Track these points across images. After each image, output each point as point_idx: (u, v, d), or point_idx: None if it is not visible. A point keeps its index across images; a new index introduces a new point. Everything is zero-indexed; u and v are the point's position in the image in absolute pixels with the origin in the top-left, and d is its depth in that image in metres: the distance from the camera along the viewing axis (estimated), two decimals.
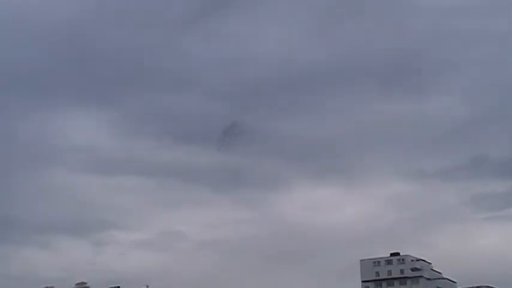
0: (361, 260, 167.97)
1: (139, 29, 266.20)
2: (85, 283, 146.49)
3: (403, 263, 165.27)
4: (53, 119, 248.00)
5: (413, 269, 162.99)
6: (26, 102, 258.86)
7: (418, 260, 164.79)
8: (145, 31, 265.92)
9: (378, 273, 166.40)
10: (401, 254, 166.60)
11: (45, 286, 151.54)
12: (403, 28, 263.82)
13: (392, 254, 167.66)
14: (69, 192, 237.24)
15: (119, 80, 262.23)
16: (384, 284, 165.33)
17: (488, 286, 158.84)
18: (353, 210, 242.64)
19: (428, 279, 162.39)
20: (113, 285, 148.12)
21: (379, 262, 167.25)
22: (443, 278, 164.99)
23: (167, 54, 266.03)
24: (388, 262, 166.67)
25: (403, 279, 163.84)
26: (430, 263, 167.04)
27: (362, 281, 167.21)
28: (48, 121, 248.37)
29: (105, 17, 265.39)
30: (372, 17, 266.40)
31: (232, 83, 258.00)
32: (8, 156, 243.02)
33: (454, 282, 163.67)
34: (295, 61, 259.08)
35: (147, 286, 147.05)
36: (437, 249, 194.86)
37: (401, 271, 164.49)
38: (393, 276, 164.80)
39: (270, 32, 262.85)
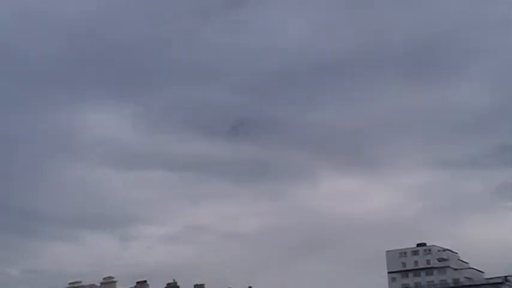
0: (387, 251, 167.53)
1: (161, 21, 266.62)
2: (112, 277, 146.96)
3: (429, 253, 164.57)
4: (78, 113, 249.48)
5: (440, 259, 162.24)
6: (51, 97, 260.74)
7: (444, 250, 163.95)
8: (167, 23, 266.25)
9: (404, 264, 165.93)
10: (427, 244, 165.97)
11: (72, 280, 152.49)
12: (426, 15, 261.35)
13: (418, 245, 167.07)
14: (95, 186, 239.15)
15: (142, 73, 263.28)
16: (411, 275, 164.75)
17: None
18: (378, 201, 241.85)
19: (455, 269, 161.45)
20: (140, 279, 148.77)
21: (405, 253, 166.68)
22: (471, 268, 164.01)
23: (189, 46, 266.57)
24: (415, 252, 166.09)
25: (429, 270, 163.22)
26: (457, 253, 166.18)
27: (388, 272, 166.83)
28: (74, 115, 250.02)
29: (129, 9, 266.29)
30: (395, 4, 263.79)
31: (254, 73, 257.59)
32: (35, 150, 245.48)
33: (482, 272, 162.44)
34: (318, 51, 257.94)
35: (174, 279, 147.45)
36: (464, 239, 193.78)
37: (428, 261, 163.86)
38: (420, 266, 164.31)
39: (292, 22, 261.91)
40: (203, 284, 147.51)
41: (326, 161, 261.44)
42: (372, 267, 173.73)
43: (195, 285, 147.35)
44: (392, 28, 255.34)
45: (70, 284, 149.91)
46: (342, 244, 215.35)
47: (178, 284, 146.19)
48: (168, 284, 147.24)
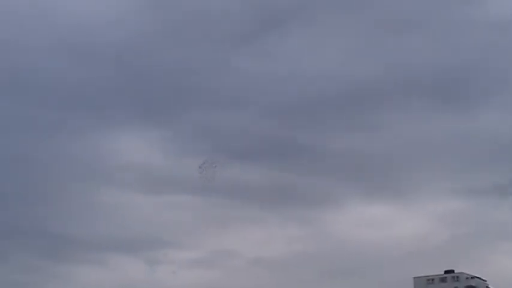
0: (415, 278, 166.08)
1: (190, 47, 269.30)
2: None
3: (457, 280, 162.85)
4: (107, 137, 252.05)
5: (468, 287, 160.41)
6: (81, 121, 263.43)
7: (473, 277, 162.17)
8: (196, 50, 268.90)
9: None
10: (455, 271, 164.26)
11: None
12: (455, 43, 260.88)
13: (446, 272, 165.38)
14: (123, 210, 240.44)
15: (172, 98, 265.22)
16: None
17: None
18: (405, 228, 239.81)
19: None
20: None
21: (433, 280, 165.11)
22: None
23: (219, 73, 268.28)
24: (442, 280, 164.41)
25: None
26: (486, 281, 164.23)
27: None
28: (103, 140, 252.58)
29: (159, 36, 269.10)
30: (423, 32, 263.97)
31: (283, 100, 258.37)
32: (64, 175, 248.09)
33: None
34: (346, 78, 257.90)
35: None
36: (493, 267, 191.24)
37: None
38: None
39: (321, 49, 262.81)
40: None
41: (354, 187, 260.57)
42: None
43: None
44: (420, 55, 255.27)
45: None
46: (369, 270, 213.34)
47: None
48: None
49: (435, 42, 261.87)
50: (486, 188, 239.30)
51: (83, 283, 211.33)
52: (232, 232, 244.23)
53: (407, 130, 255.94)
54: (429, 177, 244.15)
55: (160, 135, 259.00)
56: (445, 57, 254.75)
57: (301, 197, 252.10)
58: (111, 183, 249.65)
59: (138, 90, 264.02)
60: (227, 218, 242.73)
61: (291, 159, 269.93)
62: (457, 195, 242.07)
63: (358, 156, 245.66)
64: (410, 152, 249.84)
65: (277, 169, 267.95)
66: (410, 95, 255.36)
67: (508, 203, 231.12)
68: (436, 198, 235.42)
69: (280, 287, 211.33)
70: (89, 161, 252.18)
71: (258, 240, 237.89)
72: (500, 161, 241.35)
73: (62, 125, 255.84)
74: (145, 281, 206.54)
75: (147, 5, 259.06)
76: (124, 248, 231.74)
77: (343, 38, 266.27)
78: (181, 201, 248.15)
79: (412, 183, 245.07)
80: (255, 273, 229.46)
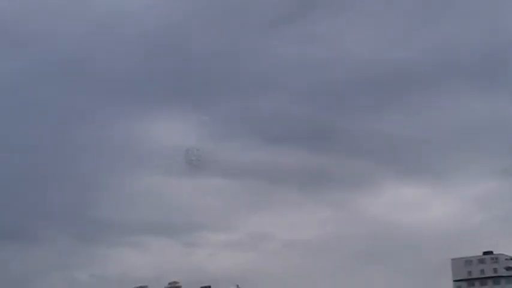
0: (453, 259, 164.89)
1: (228, 32, 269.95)
2: (177, 282, 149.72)
3: (496, 261, 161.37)
4: (144, 123, 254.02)
5: (508, 268, 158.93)
6: (118, 107, 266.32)
7: None
8: (234, 34, 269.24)
9: (470, 273, 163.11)
10: (494, 252, 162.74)
11: (139, 285, 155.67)
12: (495, 25, 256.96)
13: (485, 253, 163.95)
14: (160, 194, 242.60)
15: (208, 83, 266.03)
16: (477, 284, 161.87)
17: None
18: (441, 210, 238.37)
19: None
20: (204, 285, 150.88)
21: (471, 261, 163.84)
22: None
23: (256, 57, 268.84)
24: (481, 261, 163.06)
25: (496, 279, 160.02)
26: None
27: (454, 280, 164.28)
28: (139, 125, 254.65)
29: (197, 22, 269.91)
30: (462, 14, 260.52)
31: (321, 84, 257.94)
32: (102, 160, 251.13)
33: None
34: (383, 61, 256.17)
35: (238, 285, 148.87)
36: None
37: (495, 270, 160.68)
38: (486, 275, 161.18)
39: (356, 32, 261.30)
40: None
41: (390, 170, 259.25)
42: (437, 275, 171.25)
43: None
44: (459, 38, 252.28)
45: None
46: (406, 252, 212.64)
47: None
48: None
49: (473, 24, 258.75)
50: None
51: (121, 265, 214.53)
52: (268, 215, 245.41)
53: (445, 112, 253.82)
54: (466, 159, 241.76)
55: (197, 120, 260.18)
56: (484, 38, 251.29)
57: (337, 179, 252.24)
58: (147, 168, 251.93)
59: (176, 75, 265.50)
60: (262, 200, 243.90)
61: (328, 142, 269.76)
62: (494, 176, 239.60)
63: (394, 138, 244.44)
64: (447, 134, 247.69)
65: (313, 152, 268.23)
66: (447, 76, 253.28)
67: None
68: (473, 180, 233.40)
69: (316, 269, 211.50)
70: (127, 146, 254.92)
71: (293, 223, 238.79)
72: None
73: (99, 111, 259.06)
74: (183, 263, 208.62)
75: None
76: (162, 231, 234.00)
77: (380, 20, 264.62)
78: (217, 184, 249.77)
79: (448, 165, 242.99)
80: (290, 256, 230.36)
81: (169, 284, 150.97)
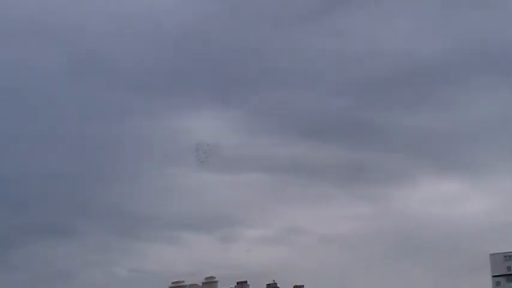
0: (491, 254, 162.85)
1: (263, 26, 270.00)
2: (214, 277, 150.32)
3: None
4: (178, 118, 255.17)
5: None
6: (152, 102, 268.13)
7: None
8: (269, 28, 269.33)
9: (509, 268, 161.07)
10: None
11: (175, 280, 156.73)
12: None
13: None
14: (196, 189, 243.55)
15: (242, 78, 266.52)
16: None
17: None
18: (479, 204, 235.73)
19: None
20: (240, 280, 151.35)
21: (510, 256, 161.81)
22: None
23: (290, 52, 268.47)
24: None
25: None
26: None
27: (492, 276, 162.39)
28: (174, 120, 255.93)
29: (232, 15, 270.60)
30: (492, 6, 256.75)
31: (352, 78, 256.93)
32: (138, 155, 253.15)
33: None
34: (419, 55, 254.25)
35: (274, 280, 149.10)
36: None
37: None
38: None
39: (391, 26, 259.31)
40: (303, 286, 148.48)
41: (425, 164, 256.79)
42: (475, 271, 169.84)
43: (294, 286, 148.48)
44: (489, 30, 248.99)
45: (173, 283, 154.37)
46: (444, 247, 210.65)
47: (278, 285, 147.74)
48: (268, 284, 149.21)
49: (503, 16, 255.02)
50: None
51: (158, 260, 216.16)
52: (303, 210, 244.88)
53: (478, 105, 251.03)
54: (501, 152, 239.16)
55: (231, 115, 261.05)
56: None
57: (370, 174, 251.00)
58: (183, 162, 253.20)
59: (208, 71, 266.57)
60: (298, 195, 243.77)
61: (362, 136, 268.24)
62: None
63: (429, 132, 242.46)
64: (481, 127, 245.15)
65: (347, 147, 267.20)
66: (483, 69, 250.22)
67: None
68: (509, 175, 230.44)
69: (351, 264, 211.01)
70: (161, 141, 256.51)
71: (328, 218, 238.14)
72: None
73: (134, 105, 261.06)
74: (219, 258, 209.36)
75: None
76: (197, 226, 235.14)
77: (410, 13, 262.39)
78: (251, 179, 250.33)
79: (484, 159, 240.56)
80: (325, 251, 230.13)
81: (206, 279, 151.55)
